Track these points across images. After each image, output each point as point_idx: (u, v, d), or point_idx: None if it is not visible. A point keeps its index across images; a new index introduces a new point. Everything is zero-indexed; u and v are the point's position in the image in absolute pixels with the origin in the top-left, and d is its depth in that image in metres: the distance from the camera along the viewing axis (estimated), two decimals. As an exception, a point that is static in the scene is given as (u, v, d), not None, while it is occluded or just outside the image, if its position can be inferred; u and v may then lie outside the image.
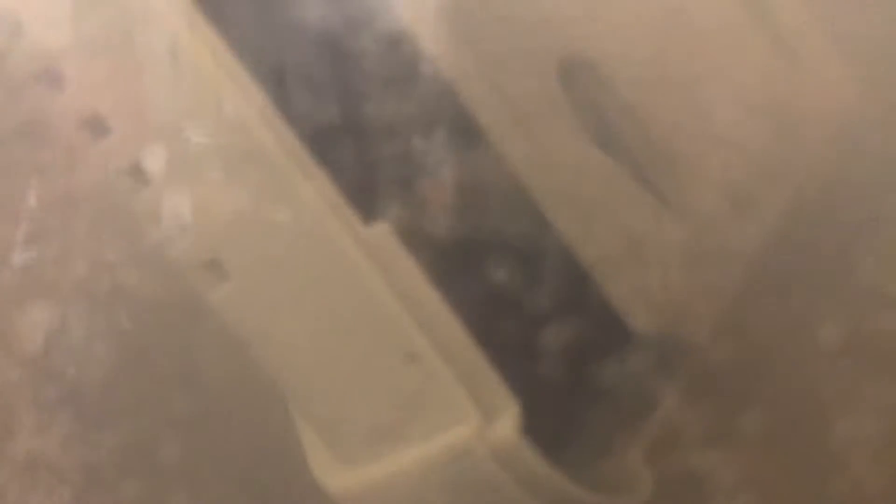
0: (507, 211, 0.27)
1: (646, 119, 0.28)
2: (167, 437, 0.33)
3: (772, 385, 0.32)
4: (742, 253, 0.29)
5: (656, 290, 0.27)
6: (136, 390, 0.33)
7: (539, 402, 0.27)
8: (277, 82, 0.27)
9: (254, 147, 0.26)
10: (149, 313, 0.33)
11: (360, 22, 0.26)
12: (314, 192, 0.26)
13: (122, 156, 0.27)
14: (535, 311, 0.27)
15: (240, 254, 0.27)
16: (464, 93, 0.26)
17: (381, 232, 0.26)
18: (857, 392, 0.31)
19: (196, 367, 0.33)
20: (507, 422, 0.26)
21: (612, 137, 0.28)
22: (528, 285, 0.27)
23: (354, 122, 0.27)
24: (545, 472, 0.26)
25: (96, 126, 0.27)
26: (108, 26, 0.27)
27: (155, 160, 0.27)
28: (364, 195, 0.27)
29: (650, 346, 0.27)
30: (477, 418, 0.26)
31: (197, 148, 0.27)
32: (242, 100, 0.26)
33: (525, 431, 0.26)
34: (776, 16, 0.30)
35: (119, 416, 0.33)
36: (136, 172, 0.27)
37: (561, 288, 0.27)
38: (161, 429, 0.33)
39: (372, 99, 0.27)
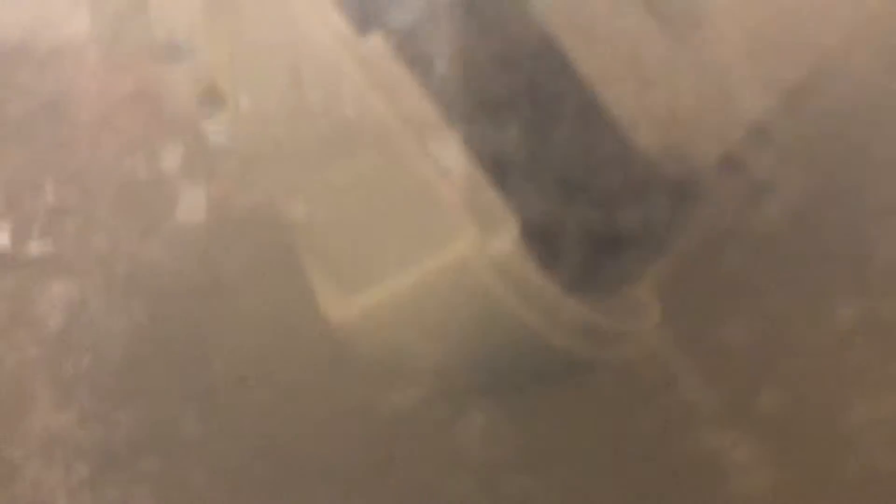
0: (513, 30, 0.27)
1: None
2: (185, 415, 0.33)
3: (788, 365, 0.32)
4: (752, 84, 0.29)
5: (662, 109, 0.27)
6: (154, 368, 0.33)
7: (545, 230, 0.27)
8: None
9: None
10: (167, 291, 0.33)
11: None
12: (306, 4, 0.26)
13: None
14: (539, 131, 0.27)
15: (239, 77, 0.27)
16: None
17: (375, 44, 0.26)
18: (874, 372, 0.31)
19: (214, 344, 0.33)
20: (505, 235, 0.26)
21: None
22: (531, 102, 0.27)
23: None
24: (543, 283, 0.27)
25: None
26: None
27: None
28: (361, 8, 0.27)
29: (658, 170, 0.27)
30: (475, 233, 0.26)
31: None
32: None
33: (535, 263, 0.26)
34: None
35: (137, 394, 0.33)
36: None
37: (565, 107, 0.27)
38: (179, 406, 0.33)
39: None
